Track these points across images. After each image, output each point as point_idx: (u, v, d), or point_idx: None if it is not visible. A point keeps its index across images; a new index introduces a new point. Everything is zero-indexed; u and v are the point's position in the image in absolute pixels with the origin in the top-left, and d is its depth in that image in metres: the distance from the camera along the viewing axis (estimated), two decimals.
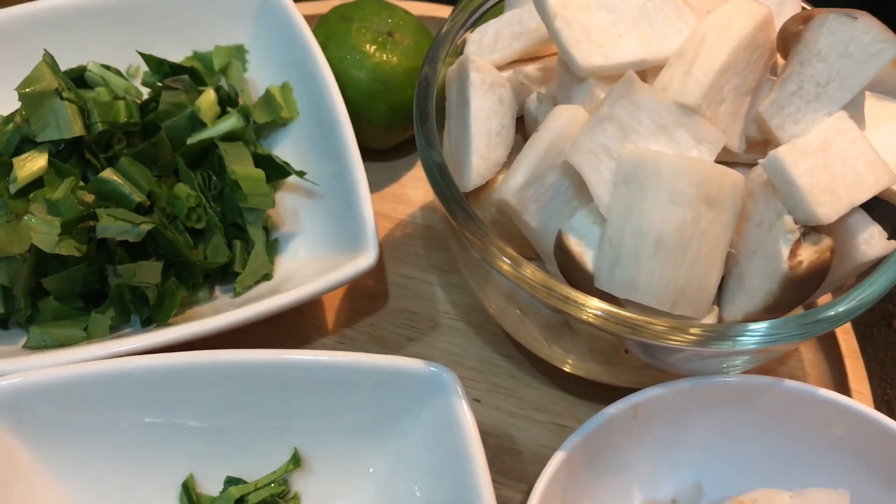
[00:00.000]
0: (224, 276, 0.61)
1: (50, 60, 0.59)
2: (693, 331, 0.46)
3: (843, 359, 0.63)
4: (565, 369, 0.60)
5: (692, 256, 0.46)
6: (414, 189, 0.71)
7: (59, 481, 0.51)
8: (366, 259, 0.56)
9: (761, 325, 0.46)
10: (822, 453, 0.52)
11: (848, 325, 0.64)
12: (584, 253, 0.48)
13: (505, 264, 0.48)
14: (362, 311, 0.65)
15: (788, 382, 0.51)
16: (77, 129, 0.57)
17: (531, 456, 0.60)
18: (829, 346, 0.64)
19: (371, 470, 0.54)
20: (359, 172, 0.59)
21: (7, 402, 0.49)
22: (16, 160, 0.57)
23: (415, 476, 0.53)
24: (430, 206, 0.71)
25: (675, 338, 0.46)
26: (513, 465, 0.59)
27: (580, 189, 0.49)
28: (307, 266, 0.61)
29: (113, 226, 0.53)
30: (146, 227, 0.54)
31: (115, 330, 0.56)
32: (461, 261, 0.60)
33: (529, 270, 0.47)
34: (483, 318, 0.65)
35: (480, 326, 0.65)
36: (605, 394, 0.62)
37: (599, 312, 0.46)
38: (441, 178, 0.50)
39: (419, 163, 0.73)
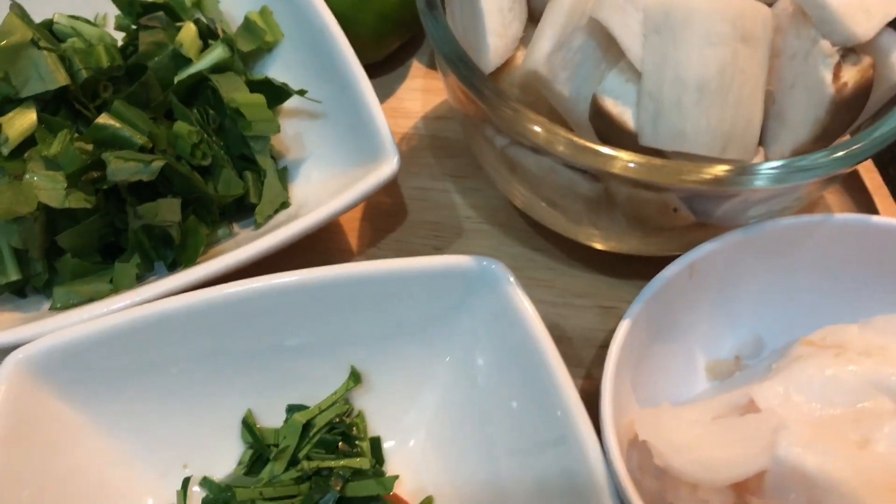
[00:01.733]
0: (239, 212, 0.59)
1: (19, 11, 0.55)
2: (749, 167, 0.45)
3: (870, 196, 0.63)
4: (601, 248, 0.59)
5: (735, 97, 0.45)
6: (412, 101, 0.69)
7: (115, 439, 0.49)
8: (388, 166, 0.54)
9: (815, 154, 0.45)
10: (882, 280, 0.52)
11: (870, 163, 0.64)
12: (624, 112, 0.47)
13: (540, 132, 0.46)
14: (384, 228, 0.63)
15: (839, 216, 0.50)
16: (61, 79, 0.54)
17: (581, 341, 0.59)
18: (854, 186, 0.64)
19: (430, 378, 0.53)
20: (364, 81, 0.57)
21: (47, 364, 0.47)
22: (3, 120, 0.53)
23: (480, 374, 0.51)
24: (432, 114, 0.69)
25: (724, 177, 0.44)
26: (565, 352, 0.57)
27: (609, 48, 0.47)
28: (323, 188, 0.58)
29: (124, 167, 0.51)
30: (159, 164, 0.51)
31: (140, 279, 0.54)
32: (484, 156, 0.58)
33: (567, 134, 0.45)
34: (508, 216, 0.64)
35: (507, 225, 0.63)
36: (644, 270, 0.61)
37: (644, 163, 0.45)
38: (461, 61, 0.48)
39: (413, 73, 0.71)
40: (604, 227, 0.56)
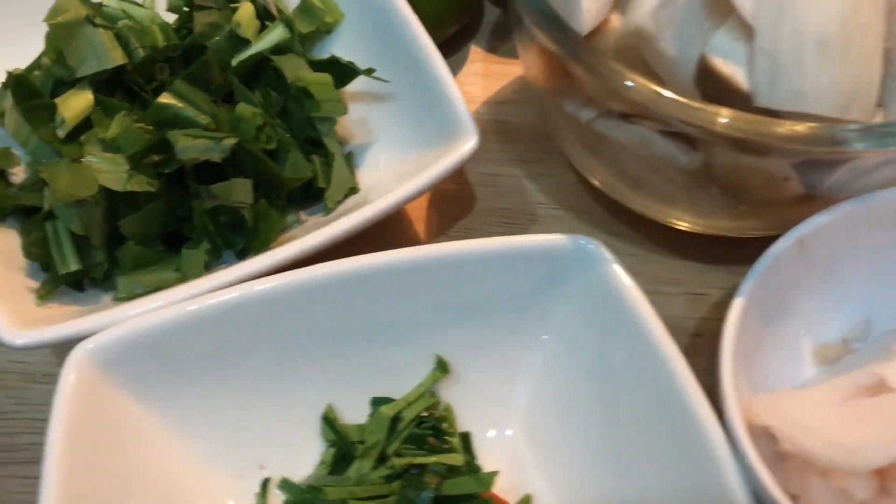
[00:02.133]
0: (305, 199, 0.55)
1: None
2: (877, 126, 0.41)
3: None
4: (687, 229, 0.56)
5: (857, 52, 0.42)
6: (472, 85, 0.66)
7: (187, 438, 0.46)
8: (468, 142, 0.51)
9: None
10: None
11: None
12: (735, 72, 0.44)
13: (647, 91, 0.43)
14: (453, 216, 0.60)
15: None
16: (118, 57, 0.51)
17: (673, 329, 0.55)
18: None
19: (522, 368, 0.49)
20: (438, 58, 0.54)
21: (117, 356, 0.43)
22: (58, 101, 0.50)
23: (578, 361, 0.48)
24: (494, 99, 0.66)
25: (848, 136, 0.41)
26: None
27: (714, 5, 0.44)
28: (393, 173, 0.55)
29: (193, 145, 0.47)
30: (230, 142, 0.48)
31: (207, 268, 0.50)
32: (562, 134, 0.55)
33: (673, 94, 0.42)
34: (582, 201, 0.60)
35: (582, 210, 0.60)
36: (734, 254, 0.58)
37: (764, 122, 0.41)
38: (554, 23, 0.45)
39: (472, 58, 0.68)
40: (697, 204, 0.53)
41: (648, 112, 0.47)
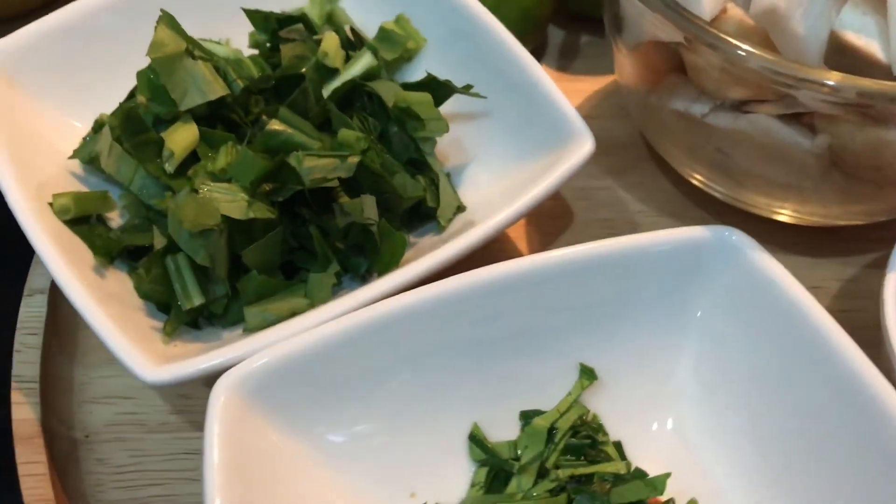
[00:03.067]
0: (411, 222, 0.54)
1: (169, 21, 0.51)
2: None
3: None
4: (794, 221, 0.55)
5: None
6: None
7: (337, 469, 0.43)
8: (584, 144, 0.50)
9: None
10: None
11: None
12: (871, 44, 0.43)
13: (788, 64, 0.42)
14: (553, 232, 0.59)
15: None
16: (220, 89, 0.50)
17: None
18: None
19: (669, 369, 0.48)
20: (535, 64, 0.53)
21: (261, 387, 0.41)
22: (164, 135, 0.49)
23: (730, 358, 0.46)
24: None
25: None
26: None
27: None
28: (497, 189, 0.54)
29: (318, 165, 0.46)
30: (355, 160, 0.47)
31: (334, 292, 0.48)
32: (666, 135, 0.55)
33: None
34: (682, 206, 0.60)
35: (683, 215, 0.59)
36: (842, 247, 0.58)
37: None
38: (675, 10, 0.45)
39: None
40: (813, 192, 0.52)
41: (774, 94, 0.46)
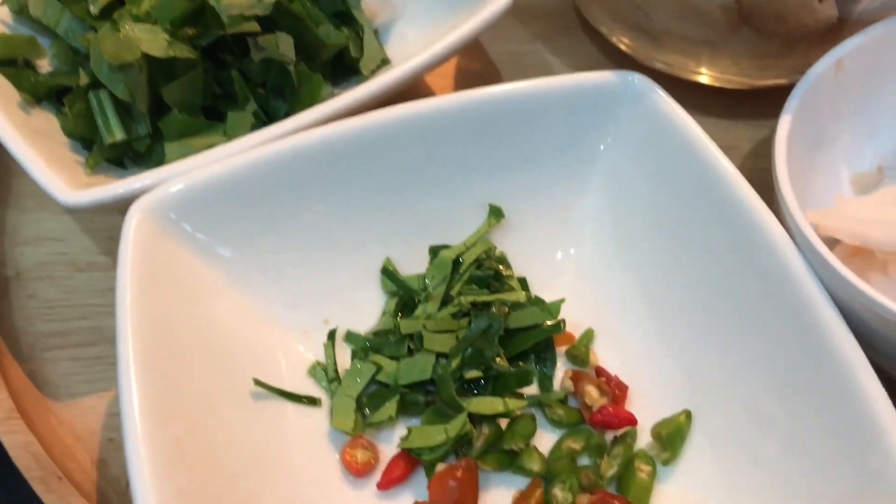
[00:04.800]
0: (336, 74, 0.55)
1: None
2: None
3: None
4: (713, 82, 0.57)
5: None
6: None
7: (251, 294, 0.46)
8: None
9: None
10: None
11: None
12: None
13: None
14: None
15: None
16: None
17: None
18: None
19: (575, 211, 0.50)
20: None
21: (174, 211, 0.43)
22: None
23: (633, 198, 0.48)
24: None
25: None
26: None
27: None
28: (422, 44, 0.55)
29: (237, 2, 0.47)
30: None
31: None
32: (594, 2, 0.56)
33: None
34: (604, 67, 0.60)
35: None
36: (758, 110, 0.59)
37: None
38: None
39: None
40: (725, 51, 0.54)
41: None
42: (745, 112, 0.59)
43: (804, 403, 0.40)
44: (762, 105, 0.60)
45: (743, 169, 0.57)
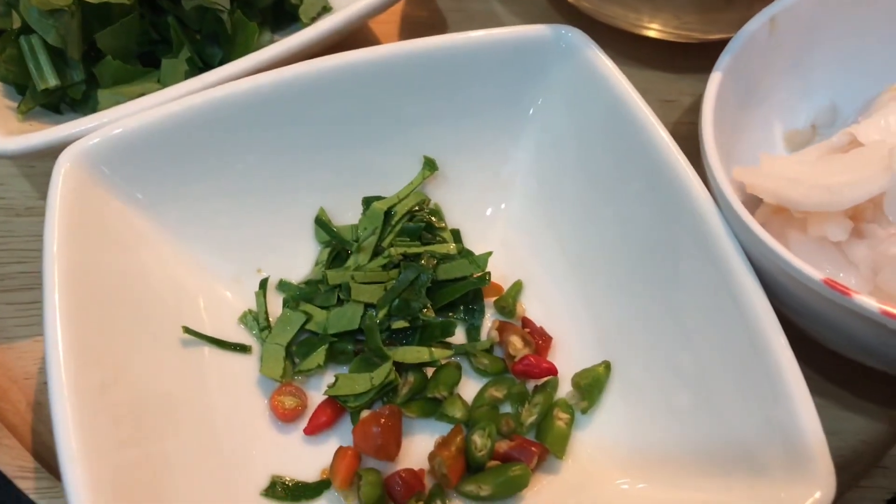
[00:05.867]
0: (278, 22, 0.55)
1: None
2: None
3: None
4: (660, 35, 0.57)
5: None
6: None
7: (183, 242, 0.46)
8: None
9: None
10: None
11: None
12: None
13: None
14: None
15: None
16: None
17: None
18: None
19: (508, 164, 0.50)
20: None
21: (105, 159, 0.43)
22: None
23: (565, 150, 0.49)
24: None
25: None
26: None
27: None
28: None
29: None
30: None
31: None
32: None
33: None
34: (555, 20, 0.61)
35: None
36: (702, 64, 0.59)
37: None
38: None
39: None
40: (668, 7, 0.54)
41: None
42: (691, 66, 0.60)
43: (716, 359, 0.41)
44: (711, 59, 0.60)
45: (682, 123, 0.58)
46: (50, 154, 0.44)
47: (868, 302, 0.37)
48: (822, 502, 0.36)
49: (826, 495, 0.36)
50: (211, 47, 0.50)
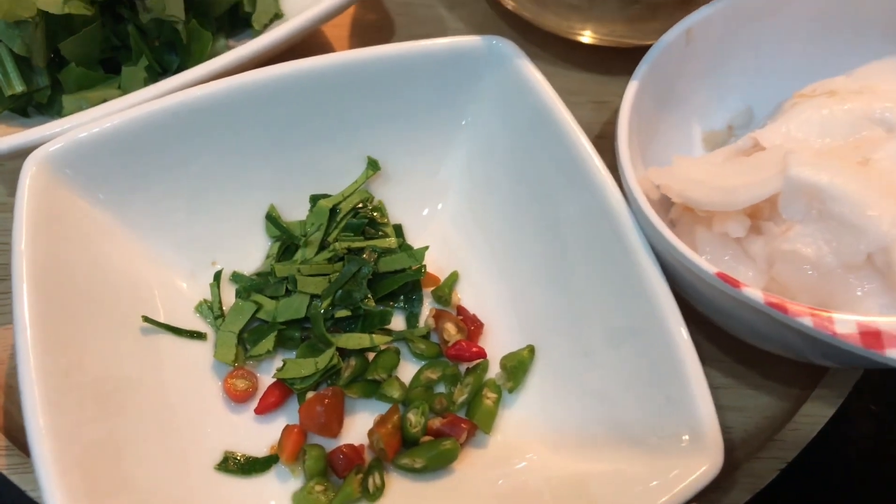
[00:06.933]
0: (232, 28, 0.59)
1: None
2: None
3: None
4: (591, 41, 0.61)
5: None
6: None
7: (142, 237, 0.50)
8: None
9: None
10: (862, 36, 0.54)
11: None
12: None
13: None
14: (373, 44, 0.63)
15: None
16: None
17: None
18: None
19: (447, 164, 0.54)
20: None
21: (68, 162, 0.47)
22: None
23: (497, 152, 0.53)
24: None
25: None
26: None
27: None
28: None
29: None
30: None
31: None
32: None
33: None
34: (496, 26, 0.66)
35: (497, 34, 0.64)
36: (632, 67, 0.63)
37: None
38: None
39: None
40: (597, 10, 0.58)
41: None
42: (624, 69, 0.63)
43: (625, 343, 0.46)
44: (637, 63, 0.64)
45: (612, 123, 0.62)
46: (19, 156, 0.48)
47: (755, 293, 0.41)
48: (709, 474, 0.40)
49: (713, 467, 0.41)
50: (168, 55, 0.54)
